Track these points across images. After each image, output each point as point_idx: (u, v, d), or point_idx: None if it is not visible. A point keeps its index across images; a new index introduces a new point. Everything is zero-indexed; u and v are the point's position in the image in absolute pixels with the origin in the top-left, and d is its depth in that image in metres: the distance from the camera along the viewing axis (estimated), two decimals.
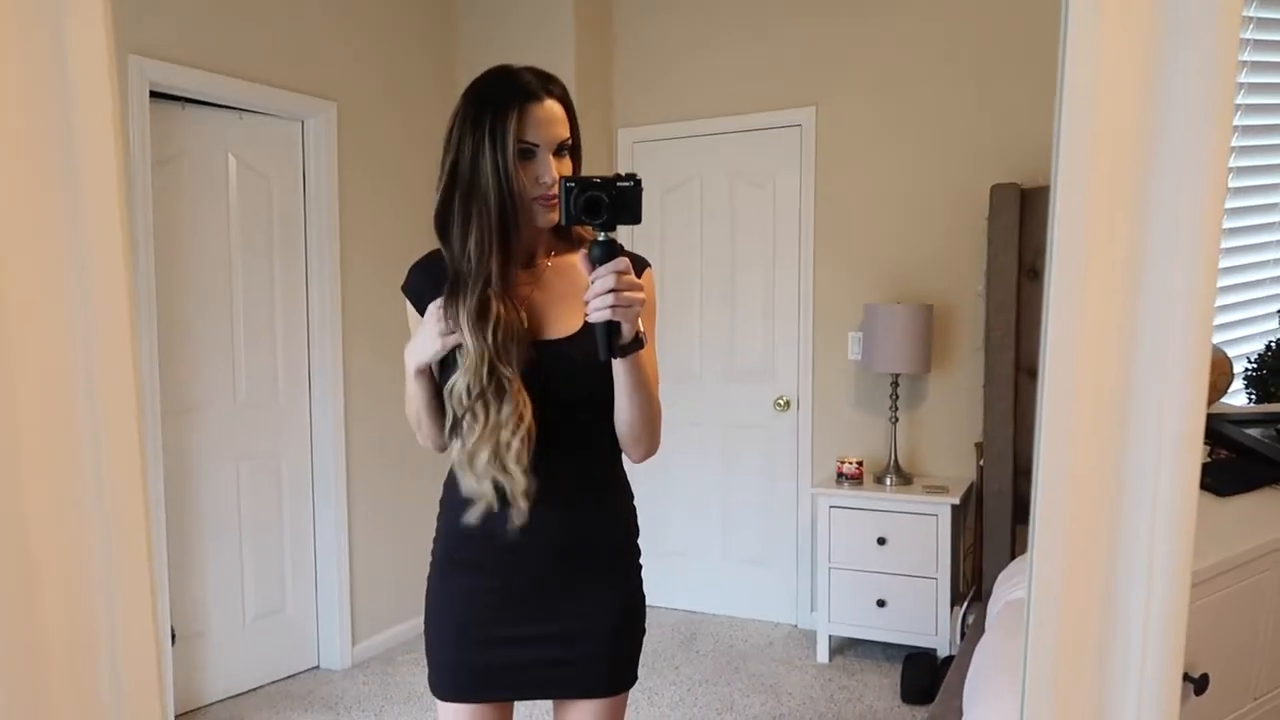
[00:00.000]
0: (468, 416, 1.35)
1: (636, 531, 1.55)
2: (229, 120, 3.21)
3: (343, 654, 3.52)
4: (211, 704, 3.18)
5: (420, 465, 3.61)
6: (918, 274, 3.69)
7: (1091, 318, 0.88)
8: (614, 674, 1.50)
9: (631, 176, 1.25)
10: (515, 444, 1.34)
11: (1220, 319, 3.58)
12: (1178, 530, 0.87)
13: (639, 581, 1.55)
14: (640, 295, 1.25)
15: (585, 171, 1.44)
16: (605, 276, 1.23)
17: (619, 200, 1.24)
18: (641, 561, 1.55)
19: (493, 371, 1.34)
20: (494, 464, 1.35)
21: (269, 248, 3.36)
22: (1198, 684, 1.34)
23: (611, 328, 1.26)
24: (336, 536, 3.50)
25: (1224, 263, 3.61)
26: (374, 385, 3.59)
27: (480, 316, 1.34)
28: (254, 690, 3.31)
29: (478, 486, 1.37)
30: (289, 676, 3.44)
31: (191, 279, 3.13)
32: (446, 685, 1.49)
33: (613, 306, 1.23)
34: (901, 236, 3.72)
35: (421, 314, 1.44)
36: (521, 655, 1.46)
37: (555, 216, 1.35)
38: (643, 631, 1.55)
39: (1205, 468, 1.75)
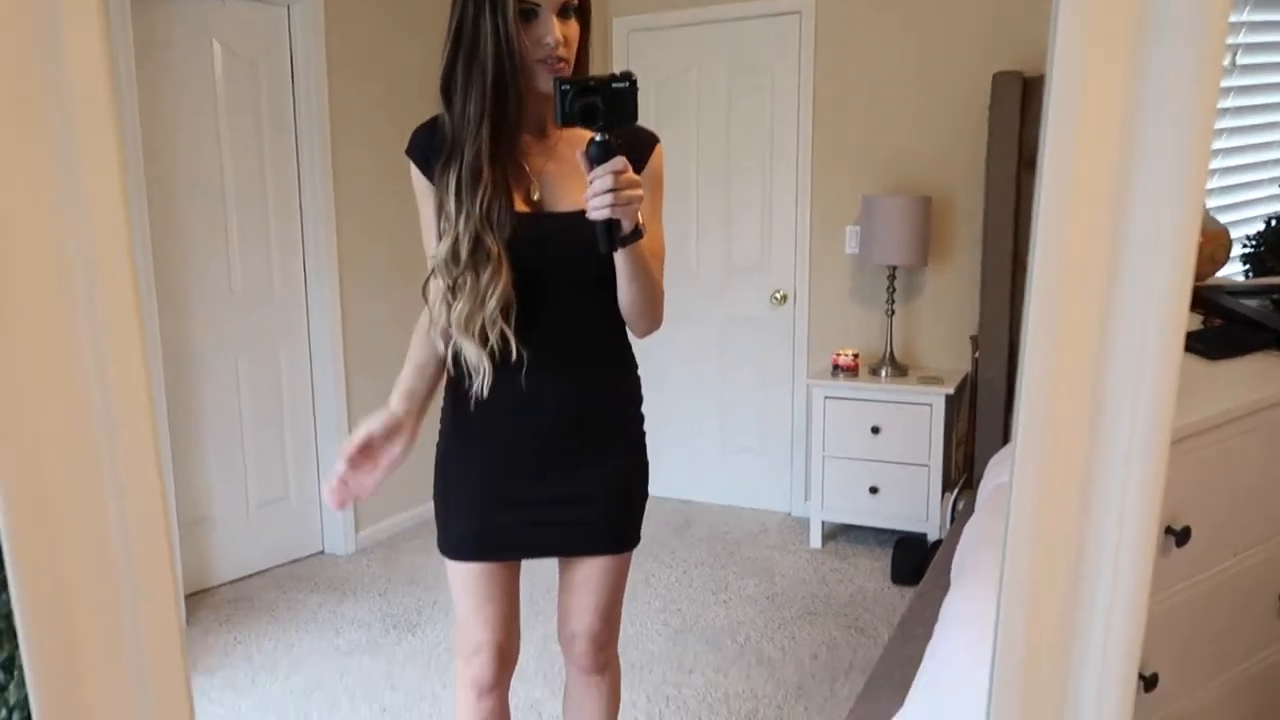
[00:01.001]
0: (456, 284, 1.37)
1: (640, 399, 1.60)
2: (212, 6, 3.12)
3: (346, 540, 3.61)
4: (220, 585, 3.28)
5: None
6: (917, 166, 3.65)
7: (1084, 188, 0.87)
8: (620, 533, 1.56)
9: (627, 76, 1.25)
10: (496, 312, 1.37)
11: (1223, 200, 3.55)
12: (1161, 382, 0.89)
13: (643, 446, 1.60)
14: (638, 192, 1.27)
15: (589, 47, 1.43)
16: (603, 177, 1.24)
17: (614, 102, 1.24)
18: (645, 429, 1.60)
19: (478, 240, 1.36)
20: (477, 331, 1.38)
21: (258, 137, 3.30)
22: (1179, 536, 1.38)
23: (611, 224, 1.28)
24: (337, 427, 3.55)
25: (1227, 143, 3.56)
26: (370, 273, 3.59)
27: (471, 185, 1.35)
28: (261, 573, 3.41)
29: (469, 352, 1.40)
30: (295, 560, 3.53)
31: (181, 171, 3.09)
32: (456, 546, 1.55)
33: (611, 205, 1.25)
34: (902, 127, 3.66)
35: (427, 175, 1.43)
36: (530, 516, 1.51)
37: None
38: (645, 495, 1.61)
39: (1198, 335, 1.77)
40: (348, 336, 3.55)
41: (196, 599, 3.17)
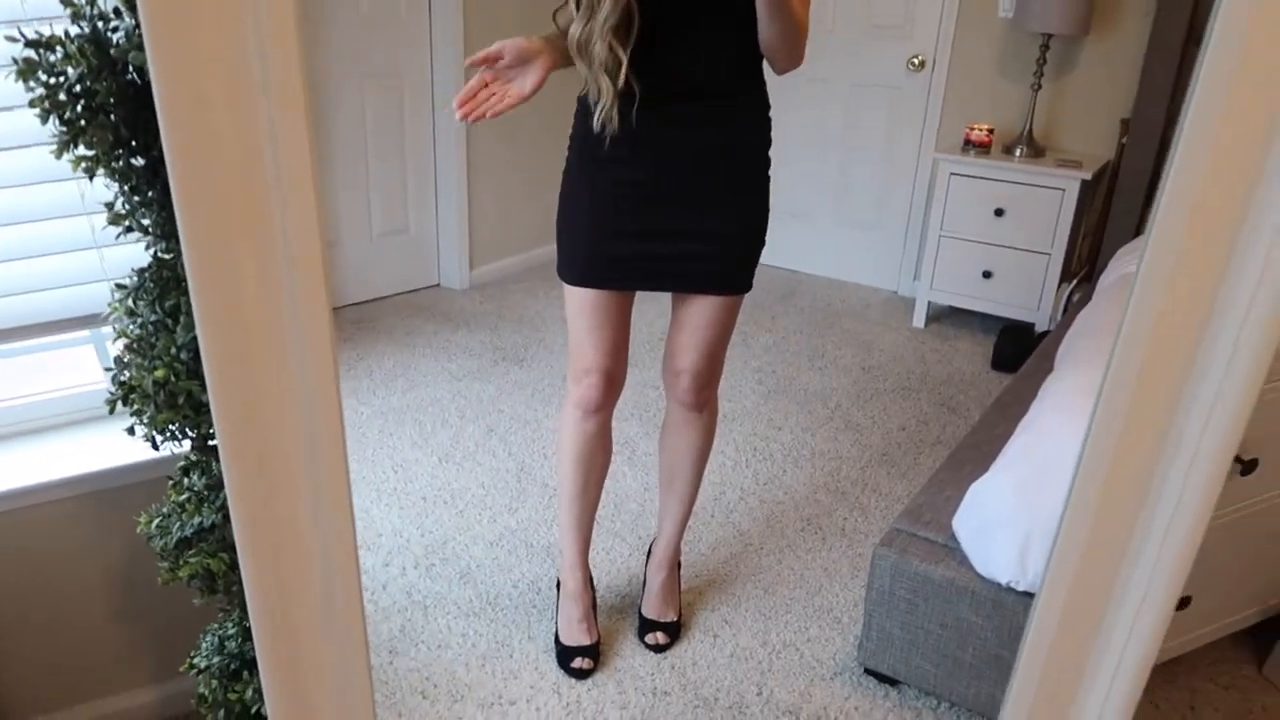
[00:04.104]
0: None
1: (769, 142, 1.56)
2: None
3: (461, 276, 3.76)
4: (344, 306, 3.50)
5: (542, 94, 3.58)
6: None
7: None
8: (735, 275, 1.58)
9: None
10: (606, 26, 1.32)
11: None
12: None
13: (767, 193, 1.58)
14: None
15: None
16: None
17: None
18: (770, 174, 1.58)
19: None
20: (595, 50, 1.34)
21: None
22: None
23: None
24: (456, 163, 3.59)
25: None
26: (494, 2, 3.49)
27: None
28: (381, 299, 3.61)
29: (588, 73, 1.38)
30: (413, 290, 3.72)
31: None
32: (574, 272, 1.59)
33: None
34: None
35: None
36: (649, 249, 1.53)
37: None
38: (763, 242, 1.61)
39: None
40: (469, 69, 3.50)
41: None
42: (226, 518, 0.96)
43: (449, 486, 2.44)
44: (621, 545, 2.24)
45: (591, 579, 1.94)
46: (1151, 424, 0.95)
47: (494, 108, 1.35)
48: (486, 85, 1.36)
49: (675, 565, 1.98)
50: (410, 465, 2.53)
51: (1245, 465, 1.47)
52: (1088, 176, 3.18)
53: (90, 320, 1.36)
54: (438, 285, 3.79)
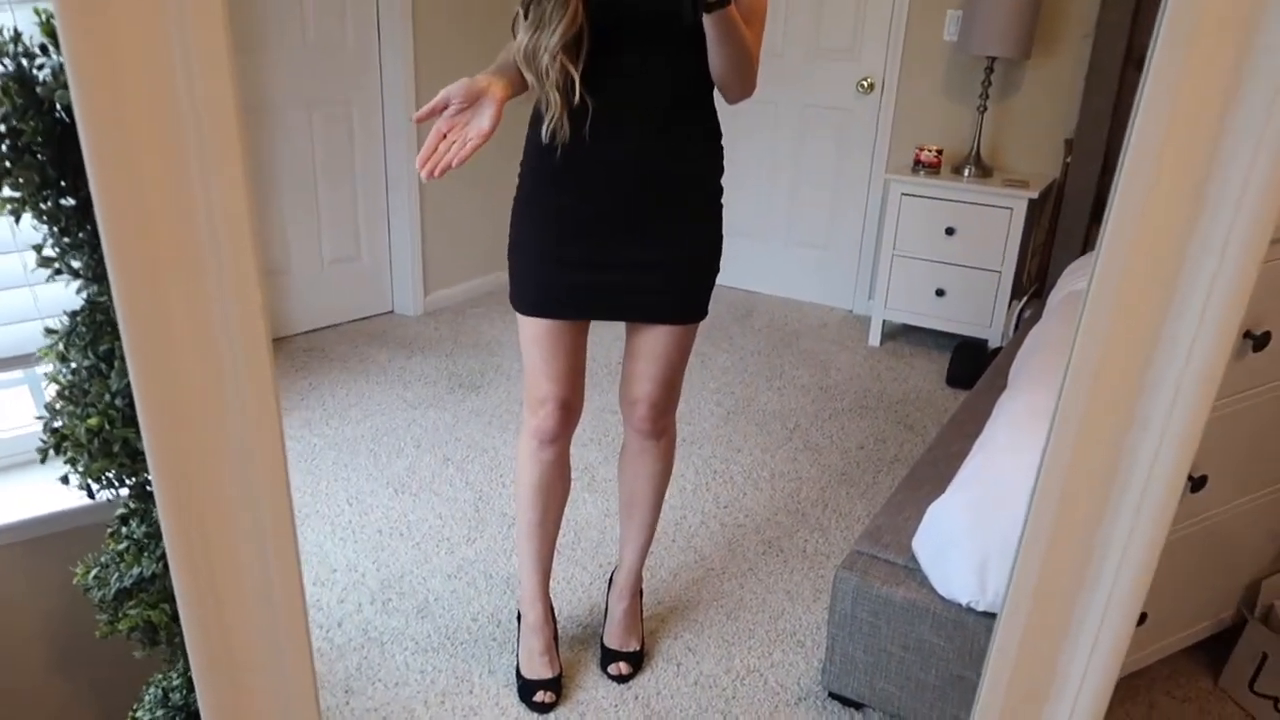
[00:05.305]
0: (528, 10, 1.33)
1: (722, 170, 1.56)
2: None
3: (415, 302, 3.72)
4: (295, 335, 3.44)
5: None
6: None
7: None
8: (691, 303, 1.57)
9: None
10: (557, 44, 1.32)
11: None
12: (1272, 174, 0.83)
13: (720, 220, 1.58)
14: None
15: None
16: None
17: None
18: (724, 202, 1.57)
19: None
20: (542, 67, 1.34)
21: None
22: (1257, 341, 1.35)
23: None
24: (408, 188, 3.56)
25: None
26: (444, 28, 3.47)
27: None
28: (334, 326, 3.55)
29: (537, 85, 1.37)
30: (365, 318, 3.67)
31: None
32: (526, 302, 1.57)
33: None
34: None
35: None
36: (602, 279, 1.52)
37: None
38: (718, 270, 1.61)
39: None
40: (420, 94, 3.48)
41: (273, 346, 3.32)
42: (168, 567, 0.93)
43: (405, 518, 2.40)
44: (582, 573, 2.21)
45: (553, 610, 1.91)
46: (1107, 442, 0.96)
47: (458, 154, 1.30)
48: (444, 136, 1.31)
49: (637, 593, 1.96)
50: (365, 497, 2.48)
51: (1195, 482, 1.49)
52: (1034, 196, 3.23)
53: (25, 360, 1.31)
54: (391, 312, 3.75)
